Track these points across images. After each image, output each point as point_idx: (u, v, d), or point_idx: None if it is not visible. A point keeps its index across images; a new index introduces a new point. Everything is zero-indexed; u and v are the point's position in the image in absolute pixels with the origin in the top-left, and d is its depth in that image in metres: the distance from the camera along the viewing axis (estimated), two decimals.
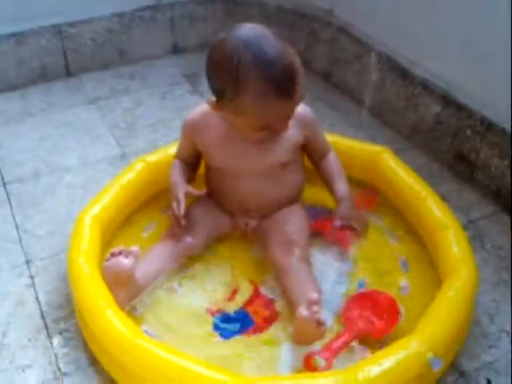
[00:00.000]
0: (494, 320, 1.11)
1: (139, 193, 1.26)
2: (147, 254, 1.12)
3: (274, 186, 1.17)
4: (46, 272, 1.20)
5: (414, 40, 1.53)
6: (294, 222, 1.17)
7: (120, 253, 1.02)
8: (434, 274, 1.13)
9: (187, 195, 1.13)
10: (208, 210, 1.21)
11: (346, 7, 1.74)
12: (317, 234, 1.23)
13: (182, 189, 1.13)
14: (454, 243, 1.09)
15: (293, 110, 1.04)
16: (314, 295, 0.95)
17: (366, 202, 1.31)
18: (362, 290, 1.11)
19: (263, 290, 1.12)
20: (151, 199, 1.30)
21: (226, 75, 0.99)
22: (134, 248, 1.03)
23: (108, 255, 1.03)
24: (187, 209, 1.15)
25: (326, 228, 1.21)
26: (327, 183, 1.21)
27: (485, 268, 1.21)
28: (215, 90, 1.04)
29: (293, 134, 1.13)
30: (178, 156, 1.22)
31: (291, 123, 1.09)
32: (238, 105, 1.00)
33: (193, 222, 1.17)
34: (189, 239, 1.15)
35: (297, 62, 1.01)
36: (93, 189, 1.35)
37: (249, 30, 1.01)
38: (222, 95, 1.02)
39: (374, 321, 1.04)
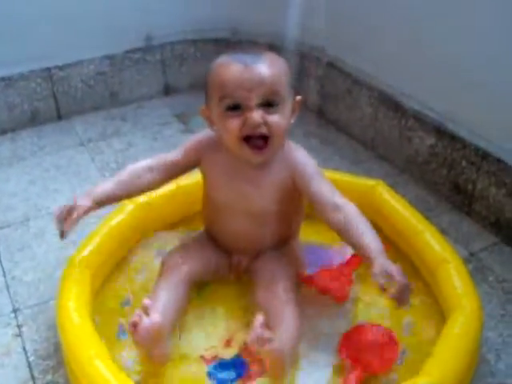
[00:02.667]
0: (501, 356, 1.07)
1: (130, 234, 1.23)
2: (155, 300, 1.03)
3: (262, 230, 1.12)
4: (34, 320, 1.16)
5: (404, 72, 1.53)
6: (284, 263, 1.12)
7: (141, 316, 0.95)
8: (436, 309, 1.09)
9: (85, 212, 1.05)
10: (205, 243, 1.19)
11: (336, 43, 1.74)
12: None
13: (89, 201, 1.05)
14: (455, 278, 1.05)
15: (253, 83, 0.98)
16: (259, 318, 0.93)
17: None
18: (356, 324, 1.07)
19: None
20: (144, 240, 1.27)
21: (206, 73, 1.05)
22: (146, 301, 0.97)
23: (131, 328, 0.95)
24: (185, 242, 1.16)
25: (320, 281, 1.13)
26: (350, 240, 1.00)
27: (489, 302, 1.17)
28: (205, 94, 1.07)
29: (282, 176, 1.08)
30: (163, 156, 1.15)
31: (282, 173, 1.07)
32: (207, 92, 1.04)
33: (188, 251, 1.15)
34: (185, 267, 1.11)
35: (271, 59, 1.01)
36: (84, 233, 1.32)
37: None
38: (204, 91, 1.06)
39: (372, 360, 0.99)
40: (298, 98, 1.07)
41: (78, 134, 1.81)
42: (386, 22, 1.53)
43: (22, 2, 1.69)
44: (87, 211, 1.06)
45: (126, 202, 1.25)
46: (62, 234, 1.05)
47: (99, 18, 1.82)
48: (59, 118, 1.89)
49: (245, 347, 1.04)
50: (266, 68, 0.99)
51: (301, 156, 1.09)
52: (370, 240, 0.96)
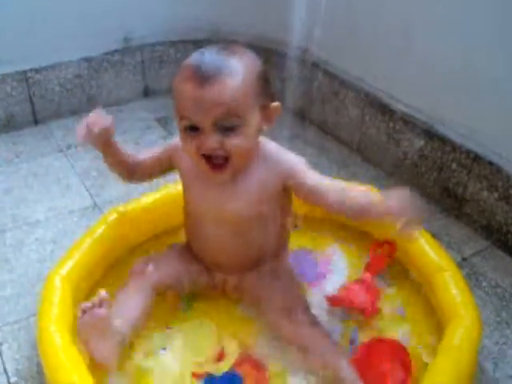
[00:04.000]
0: (499, 365, 1.05)
1: (113, 247, 1.18)
2: (115, 301, 1.02)
3: (240, 240, 1.07)
4: (15, 338, 1.10)
5: (392, 74, 1.50)
6: (286, 286, 1.08)
7: (92, 306, 0.94)
8: (432, 318, 1.07)
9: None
10: (181, 255, 1.14)
11: (321, 44, 1.70)
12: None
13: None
14: (452, 286, 1.03)
15: (207, 106, 0.91)
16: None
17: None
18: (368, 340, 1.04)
19: (253, 352, 1.03)
20: (128, 252, 1.22)
21: None
22: (103, 293, 0.95)
23: (79, 313, 0.94)
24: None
25: (347, 300, 1.10)
26: (352, 211, 0.99)
27: (484, 309, 1.15)
28: None
29: (264, 181, 1.02)
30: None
31: (262, 177, 1.02)
32: (173, 94, 0.97)
33: (159, 259, 1.12)
34: (153, 274, 1.07)
35: (235, 66, 0.93)
36: (64, 243, 1.28)
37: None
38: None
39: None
40: (275, 104, 0.99)
41: (56, 140, 1.75)
42: (374, 24, 1.51)
43: None
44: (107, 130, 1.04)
45: (109, 212, 1.20)
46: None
47: (76, 20, 1.76)
48: (36, 122, 1.83)
49: (238, 360, 1.01)
50: (226, 84, 0.91)
51: (287, 157, 1.04)
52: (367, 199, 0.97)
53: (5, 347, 1.09)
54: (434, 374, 0.89)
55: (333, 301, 1.10)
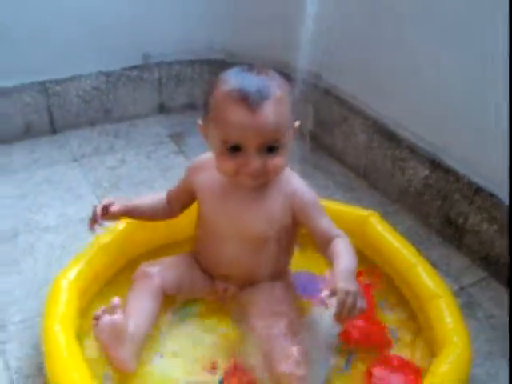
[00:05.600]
0: None
1: (120, 255, 1.22)
2: (126, 306, 1.07)
3: (255, 257, 1.11)
4: (19, 338, 1.14)
5: (400, 102, 1.54)
6: (279, 294, 1.11)
7: (104, 312, 0.98)
8: (425, 344, 1.09)
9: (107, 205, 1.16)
10: (187, 264, 1.18)
11: (333, 70, 1.75)
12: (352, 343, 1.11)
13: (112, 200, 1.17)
14: (446, 313, 1.05)
15: (257, 131, 0.96)
16: (291, 349, 0.95)
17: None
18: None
19: (244, 364, 1.05)
20: (134, 261, 1.25)
21: (208, 89, 1.03)
22: (115, 300, 0.99)
23: (94, 321, 0.99)
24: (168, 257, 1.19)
25: (357, 333, 1.11)
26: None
27: (476, 338, 1.17)
28: (203, 107, 1.05)
29: (278, 209, 1.06)
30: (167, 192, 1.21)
31: (279, 199, 1.05)
32: (208, 114, 1.01)
33: (162, 264, 1.16)
34: (156, 277, 1.12)
35: (276, 90, 0.97)
36: (73, 249, 1.31)
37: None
38: (204, 108, 1.03)
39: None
40: (297, 124, 1.05)
41: (72, 149, 1.80)
42: (383, 51, 1.55)
43: (21, 15, 1.69)
44: (119, 211, 1.16)
45: (118, 221, 1.24)
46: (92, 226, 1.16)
47: (97, 35, 1.82)
48: (53, 131, 1.88)
49: (228, 372, 1.03)
50: (274, 110, 0.95)
51: (299, 185, 1.08)
52: (341, 265, 0.95)
53: (9, 346, 1.12)
54: None
55: (344, 337, 1.11)
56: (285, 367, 0.96)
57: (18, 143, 1.81)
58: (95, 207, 1.15)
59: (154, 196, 1.22)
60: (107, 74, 1.89)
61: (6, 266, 1.32)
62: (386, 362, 1.06)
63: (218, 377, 1.04)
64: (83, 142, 1.84)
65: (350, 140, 1.72)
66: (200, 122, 1.06)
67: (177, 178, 1.20)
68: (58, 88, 1.83)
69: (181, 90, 2.01)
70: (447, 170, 1.42)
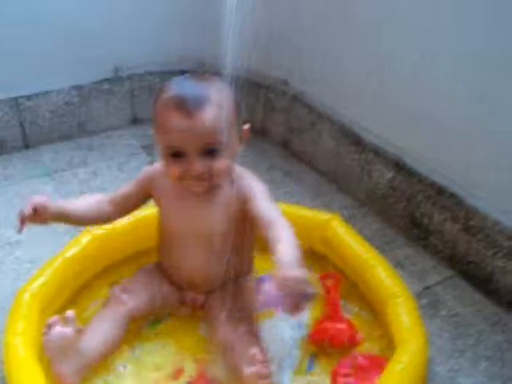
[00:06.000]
0: None
1: (84, 268, 1.23)
2: (88, 325, 1.09)
3: (215, 257, 1.13)
4: None
5: (364, 106, 1.56)
6: (241, 298, 1.13)
7: (56, 322, 0.99)
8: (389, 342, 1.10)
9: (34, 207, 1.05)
10: (154, 278, 1.19)
11: (299, 77, 1.77)
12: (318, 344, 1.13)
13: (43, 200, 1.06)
14: (403, 313, 1.06)
15: (196, 135, 0.99)
16: (253, 350, 0.96)
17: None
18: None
19: (210, 372, 1.07)
20: (98, 274, 1.27)
21: (154, 98, 1.07)
22: (70, 313, 1.00)
23: (45, 329, 0.99)
24: (134, 276, 1.19)
25: (327, 333, 1.13)
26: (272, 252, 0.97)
27: (440, 337, 1.19)
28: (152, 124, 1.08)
29: (232, 204, 1.09)
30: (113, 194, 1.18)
31: (232, 194, 1.08)
32: (153, 121, 1.05)
33: (135, 285, 1.17)
34: (129, 302, 1.12)
35: (214, 95, 1.00)
36: (42, 263, 1.32)
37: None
38: (152, 117, 1.07)
39: None
40: (247, 126, 1.08)
41: (45, 164, 1.81)
42: (348, 57, 1.57)
43: None
44: (43, 206, 1.05)
45: (82, 233, 1.25)
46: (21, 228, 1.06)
47: (67, 49, 1.83)
48: (26, 147, 1.89)
49: (194, 379, 1.05)
50: (211, 114, 0.99)
51: (249, 179, 1.11)
52: (284, 253, 0.92)
53: None
54: None
55: (315, 338, 1.13)
56: (250, 368, 0.97)
57: None
58: (24, 209, 1.06)
59: (89, 198, 1.16)
60: (78, 88, 1.90)
61: None
62: (352, 362, 1.08)
63: (182, 383, 1.05)
64: (56, 157, 1.85)
65: (319, 145, 1.74)
66: (153, 132, 1.08)
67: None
68: (29, 103, 1.84)
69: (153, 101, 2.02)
70: (410, 172, 1.44)
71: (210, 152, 1.01)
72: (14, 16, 1.72)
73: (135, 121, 2.04)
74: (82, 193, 1.66)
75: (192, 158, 1.01)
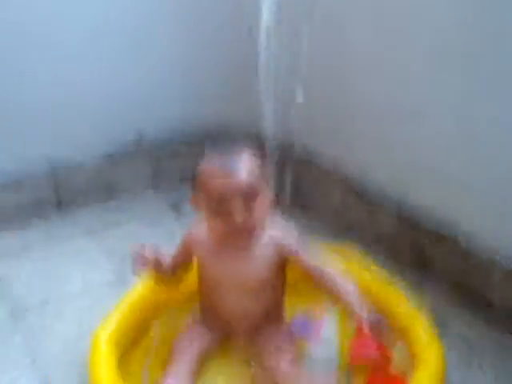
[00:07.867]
0: None
1: (147, 311, 1.42)
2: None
3: (254, 304, 1.30)
4: None
5: (365, 159, 1.77)
6: (282, 335, 1.33)
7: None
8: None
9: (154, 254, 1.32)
10: (202, 329, 1.37)
11: (308, 136, 1.95)
12: None
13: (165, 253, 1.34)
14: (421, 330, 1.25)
15: (236, 187, 1.17)
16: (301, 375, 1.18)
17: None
18: None
19: None
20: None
21: (195, 170, 1.25)
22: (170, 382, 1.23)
23: None
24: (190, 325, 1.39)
25: (365, 352, 1.17)
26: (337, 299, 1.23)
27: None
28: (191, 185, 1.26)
29: (266, 253, 1.27)
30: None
31: (269, 246, 1.26)
32: (197, 189, 1.23)
33: (196, 334, 1.35)
34: (195, 350, 1.32)
35: (248, 163, 1.20)
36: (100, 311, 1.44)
37: None
38: (193, 185, 1.25)
39: None
40: (271, 195, 1.27)
41: (81, 226, 1.99)
42: (352, 117, 1.78)
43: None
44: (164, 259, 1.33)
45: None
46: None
47: (94, 119, 2.02)
48: (60, 209, 2.06)
49: None
50: (246, 174, 1.18)
51: (283, 230, 1.29)
52: (348, 295, 1.20)
53: None
54: None
55: (355, 358, 1.20)
56: None
57: (30, 223, 1.98)
58: (147, 252, 1.32)
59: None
60: (107, 155, 2.09)
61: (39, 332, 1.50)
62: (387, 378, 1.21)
63: None
64: (90, 217, 2.03)
65: (326, 200, 1.95)
66: (192, 196, 1.27)
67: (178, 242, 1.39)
68: (65, 172, 2.04)
69: (175, 164, 2.19)
70: (411, 220, 1.66)
71: (248, 205, 1.18)
72: (43, 91, 1.92)
73: (159, 183, 2.22)
74: (122, 249, 1.81)
75: (233, 206, 1.17)
